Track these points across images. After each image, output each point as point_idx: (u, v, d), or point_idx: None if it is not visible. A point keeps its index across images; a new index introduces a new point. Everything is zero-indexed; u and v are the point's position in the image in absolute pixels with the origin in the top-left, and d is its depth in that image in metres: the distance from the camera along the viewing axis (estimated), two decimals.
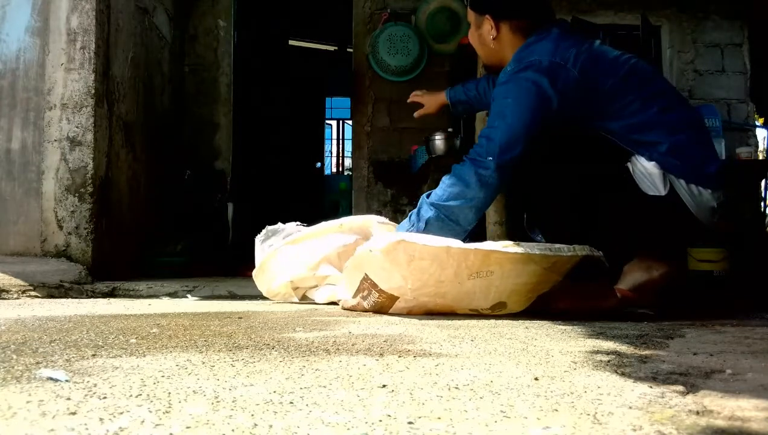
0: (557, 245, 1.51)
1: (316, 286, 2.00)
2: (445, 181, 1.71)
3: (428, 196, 1.72)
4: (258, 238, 2.12)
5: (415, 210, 1.74)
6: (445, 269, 1.50)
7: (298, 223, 2.14)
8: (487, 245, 1.50)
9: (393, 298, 1.57)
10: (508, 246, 1.50)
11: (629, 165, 1.64)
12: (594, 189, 1.66)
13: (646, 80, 1.68)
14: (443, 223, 1.67)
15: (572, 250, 1.50)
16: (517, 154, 1.63)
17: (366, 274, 1.58)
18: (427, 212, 1.69)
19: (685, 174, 1.60)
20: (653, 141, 1.60)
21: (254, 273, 2.06)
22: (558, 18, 1.82)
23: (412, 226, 1.72)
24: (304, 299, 2.02)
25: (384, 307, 1.60)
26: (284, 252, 2.01)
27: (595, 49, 1.68)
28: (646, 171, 1.61)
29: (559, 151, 1.67)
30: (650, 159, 1.61)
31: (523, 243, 1.52)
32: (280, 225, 2.13)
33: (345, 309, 1.73)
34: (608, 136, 1.64)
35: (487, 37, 1.82)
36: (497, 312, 1.57)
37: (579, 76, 1.61)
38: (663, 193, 1.60)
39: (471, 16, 1.88)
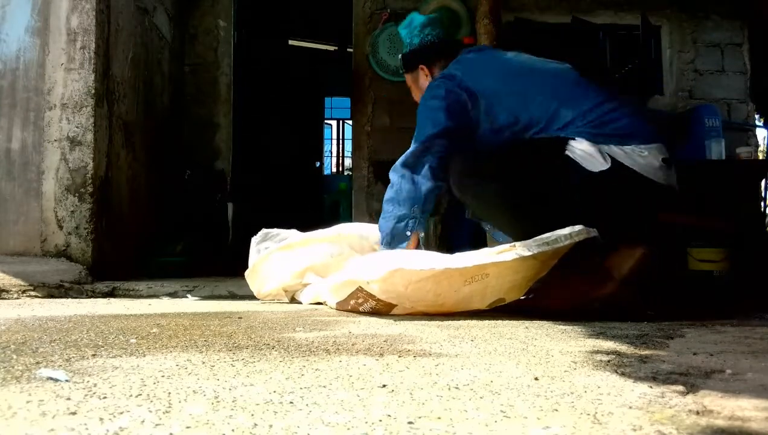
0: (554, 236, 1.47)
1: (302, 288, 2.01)
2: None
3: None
4: (254, 240, 2.13)
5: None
6: (440, 284, 1.50)
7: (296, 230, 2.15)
8: (484, 257, 1.48)
9: (391, 306, 1.58)
10: (503, 252, 1.48)
11: (568, 153, 1.66)
12: (546, 184, 1.69)
13: (552, 76, 1.82)
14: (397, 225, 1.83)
15: (569, 237, 1.46)
16: (427, 160, 1.80)
17: (360, 287, 1.58)
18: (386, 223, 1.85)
19: (612, 138, 1.66)
20: (567, 120, 1.69)
21: (246, 273, 2.07)
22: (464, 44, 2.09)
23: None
24: (293, 301, 2.04)
25: (381, 311, 1.60)
26: (276, 256, 2.02)
27: (494, 61, 1.91)
28: (584, 151, 1.65)
29: (499, 163, 1.74)
30: (575, 135, 1.67)
31: (518, 244, 1.49)
32: (277, 230, 2.14)
33: (340, 310, 1.73)
34: (535, 135, 1.73)
35: (425, 84, 2.02)
36: (495, 305, 1.57)
37: (473, 84, 1.82)
38: (607, 165, 1.64)
39: (408, 78, 2.13)
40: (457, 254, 1.54)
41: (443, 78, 1.88)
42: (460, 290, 1.50)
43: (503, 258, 1.46)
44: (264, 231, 2.14)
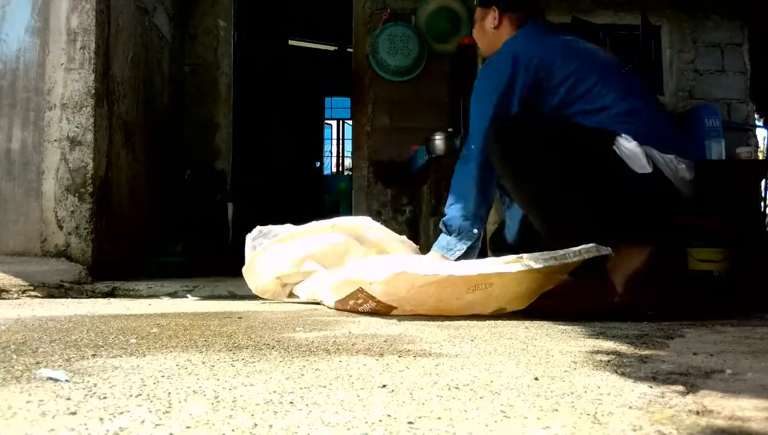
0: (562, 252, 1.45)
1: (301, 281, 2.01)
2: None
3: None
4: (249, 237, 2.14)
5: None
6: (444, 289, 1.49)
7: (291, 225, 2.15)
8: (490, 267, 1.48)
9: (390, 308, 1.57)
10: (510, 262, 1.47)
11: (615, 148, 1.67)
12: (584, 172, 1.68)
13: (609, 70, 1.82)
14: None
15: (578, 253, 1.44)
16: (489, 133, 1.77)
17: (361, 287, 1.58)
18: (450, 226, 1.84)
19: (656, 144, 1.68)
20: (620, 111, 1.70)
21: (243, 270, 2.08)
22: (539, 14, 2.02)
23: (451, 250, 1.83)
24: (291, 296, 2.03)
25: (380, 312, 1.60)
26: (272, 250, 2.02)
27: (559, 43, 1.86)
28: (630, 150, 1.65)
29: (547, 144, 1.71)
30: (624, 131, 1.67)
31: (525, 255, 1.48)
32: (271, 226, 2.15)
33: (338, 309, 1.73)
34: (586, 122, 1.72)
35: (489, 27, 2.01)
36: (497, 313, 1.57)
37: (538, 64, 1.77)
38: (649, 169, 1.65)
39: (478, 12, 2.08)
40: (462, 261, 1.54)
41: (508, 59, 1.81)
42: (463, 297, 1.50)
43: (508, 269, 1.45)
44: (258, 228, 2.15)
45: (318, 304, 1.91)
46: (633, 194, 1.67)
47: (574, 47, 1.85)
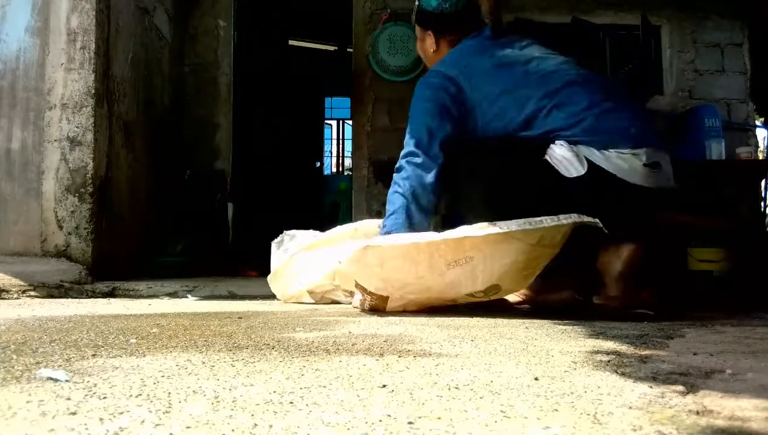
0: (538, 218, 1.43)
1: (334, 289, 2.00)
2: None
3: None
4: (274, 243, 2.14)
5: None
6: (419, 264, 1.47)
7: (314, 231, 2.15)
8: (458, 232, 1.45)
9: (384, 299, 1.58)
10: (483, 228, 1.44)
11: (547, 157, 1.65)
12: (522, 189, 1.68)
13: (546, 76, 1.77)
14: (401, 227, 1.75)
15: (556, 219, 1.42)
16: (428, 148, 1.86)
17: (356, 280, 1.58)
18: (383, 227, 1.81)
19: (595, 142, 1.64)
20: (559, 122, 1.67)
21: (269, 278, 2.08)
22: (480, 26, 1.98)
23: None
24: (323, 300, 2.02)
25: (379, 307, 1.60)
26: (300, 258, 2.02)
27: (489, 58, 1.82)
28: (562, 157, 1.63)
29: (480, 166, 1.74)
30: (561, 139, 1.65)
31: (499, 222, 1.45)
32: (294, 231, 2.15)
33: (356, 308, 1.73)
34: (521, 136, 1.71)
35: (429, 50, 2.03)
36: (493, 295, 1.54)
37: (467, 82, 1.79)
38: (583, 171, 1.62)
39: (417, 30, 2.07)
40: (428, 232, 1.54)
41: (440, 77, 1.84)
42: (445, 274, 1.48)
43: (478, 232, 1.42)
44: (285, 233, 2.16)
45: (319, 304, 1.91)
46: (573, 197, 1.62)
47: (505, 63, 1.80)
